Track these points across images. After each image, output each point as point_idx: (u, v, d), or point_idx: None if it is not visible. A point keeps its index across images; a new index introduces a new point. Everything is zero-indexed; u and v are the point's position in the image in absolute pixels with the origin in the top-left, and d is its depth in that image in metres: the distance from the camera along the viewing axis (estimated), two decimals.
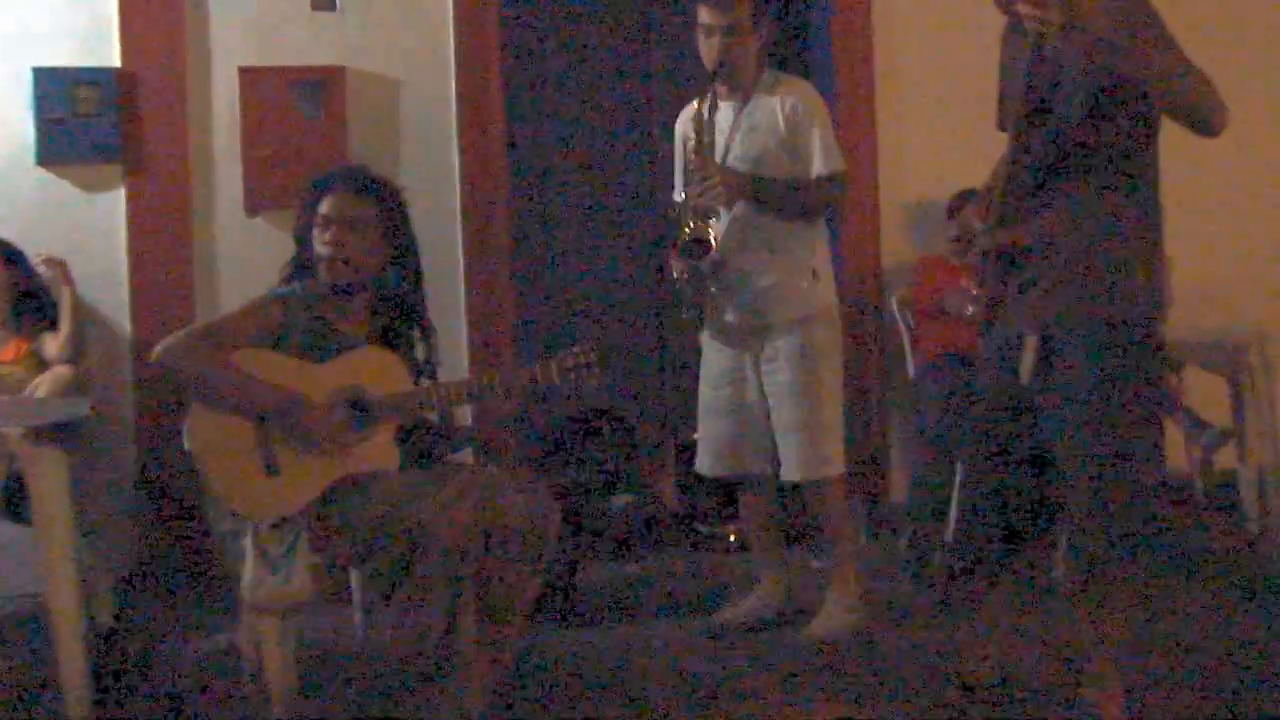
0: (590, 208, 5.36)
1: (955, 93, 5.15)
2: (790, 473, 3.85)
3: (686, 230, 3.72)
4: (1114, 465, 2.71)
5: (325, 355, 3.16)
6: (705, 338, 3.96)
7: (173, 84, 4.62)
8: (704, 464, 4.01)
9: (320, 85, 4.72)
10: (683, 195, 3.81)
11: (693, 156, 3.77)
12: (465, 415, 4.39)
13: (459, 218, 4.89)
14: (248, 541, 3.04)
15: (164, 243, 4.63)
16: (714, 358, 3.95)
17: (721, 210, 3.74)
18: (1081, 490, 2.73)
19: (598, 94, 5.38)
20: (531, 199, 5.27)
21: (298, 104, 4.70)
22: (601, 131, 5.38)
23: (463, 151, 4.89)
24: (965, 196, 4.87)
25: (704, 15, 3.78)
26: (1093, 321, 2.74)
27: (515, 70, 5.18)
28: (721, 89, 3.81)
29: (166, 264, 4.63)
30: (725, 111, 3.83)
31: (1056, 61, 2.72)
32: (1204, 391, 5.03)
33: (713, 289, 3.81)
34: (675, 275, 3.84)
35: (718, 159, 3.76)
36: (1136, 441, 2.72)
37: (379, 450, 3.12)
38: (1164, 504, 3.61)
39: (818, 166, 3.80)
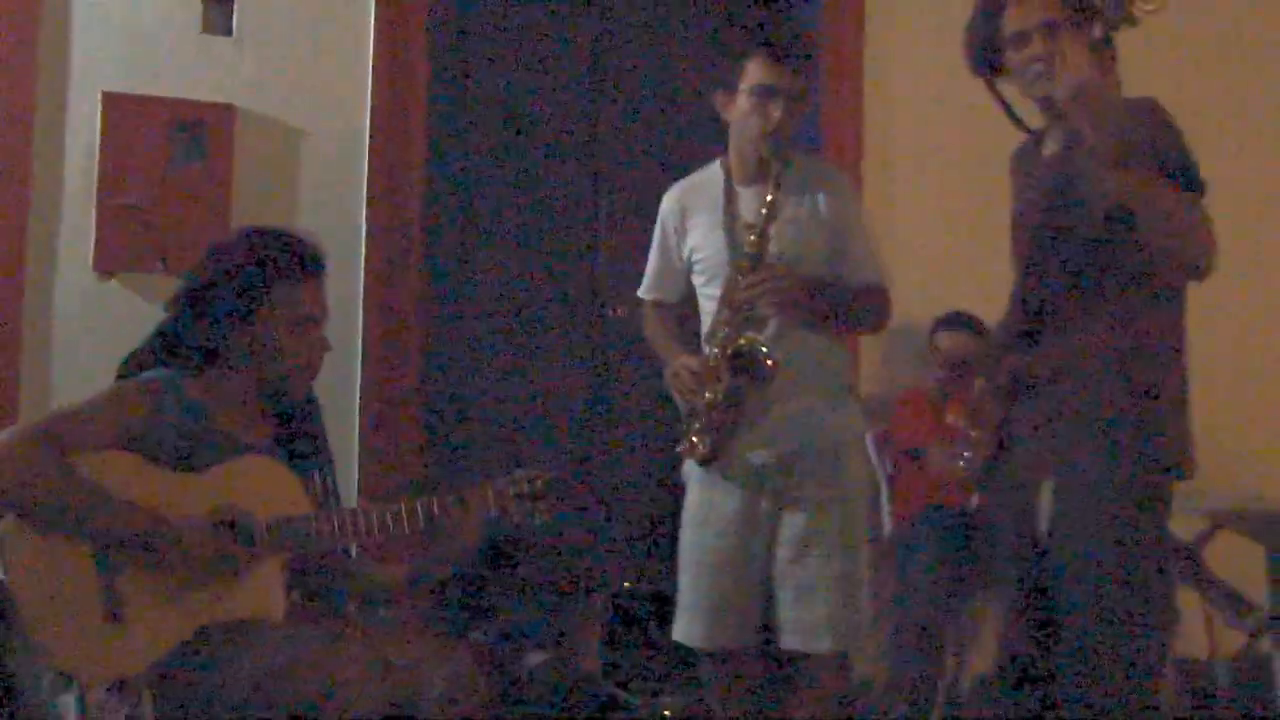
0: (519, 297, 5.02)
1: (946, 205, 5.06)
2: (811, 641, 3.49)
3: (726, 337, 3.42)
4: (1117, 646, 2.73)
5: (201, 463, 2.79)
6: (701, 474, 3.62)
7: (16, 105, 4.24)
8: (694, 633, 3.63)
9: (204, 125, 4.39)
10: (713, 293, 3.55)
11: (724, 246, 3.51)
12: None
13: (360, 301, 4.55)
14: (69, 710, 2.66)
15: None
16: (720, 499, 3.59)
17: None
18: (1078, 662, 2.77)
19: (539, 160, 5.07)
20: (448, 284, 4.92)
21: (174, 145, 4.35)
22: (539, 208, 5.06)
23: (371, 220, 4.58)
24: (953, 320, 4.78)
25: (763, 73, 3.43)
26: (1116, 474, 2.76)
27: (442, 125, 4.88)
28: (749, 169, 3.53)
29: None
30: (747, 198, 3.55)
31: (1078, 177, 2.81)
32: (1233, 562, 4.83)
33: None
34: (702, 395, 3.46)
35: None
36: (1149, 625, 2.75)
37: (259, 592, 2.76)
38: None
39: (867, 273, 3.59)
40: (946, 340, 4.77)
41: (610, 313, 4.98)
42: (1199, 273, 2.71)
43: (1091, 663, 2.75)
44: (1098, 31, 2.64)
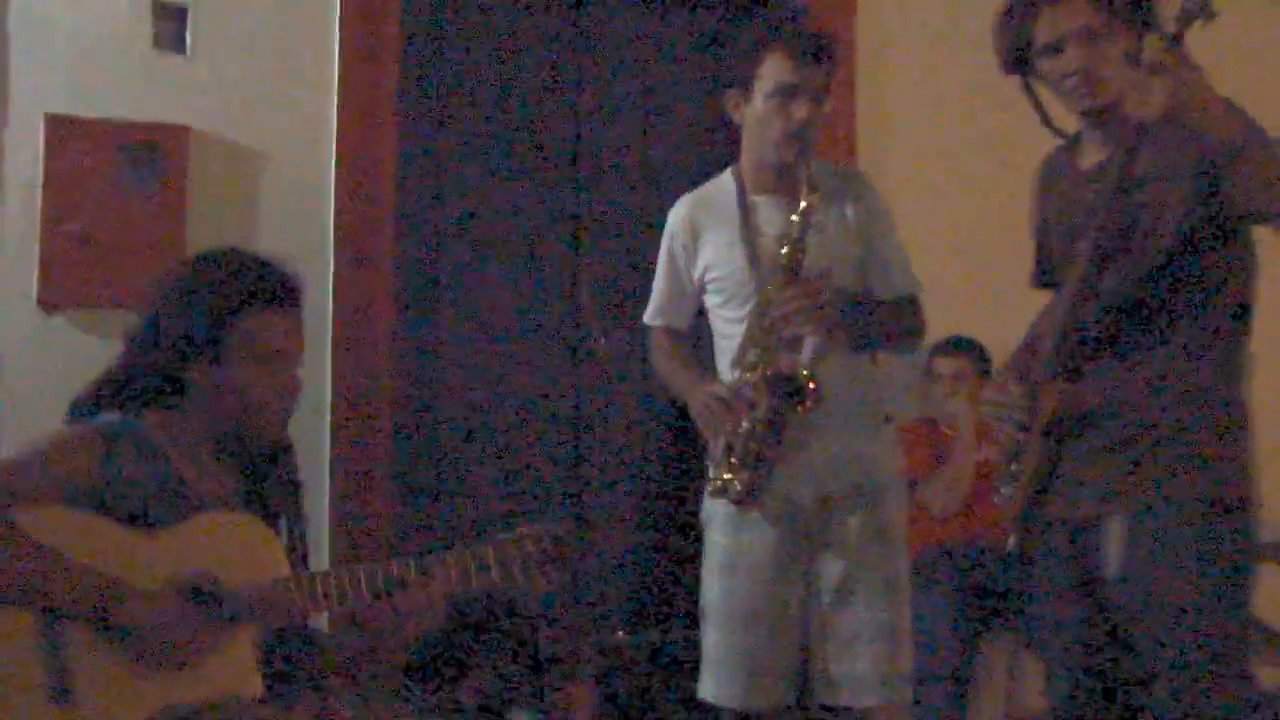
0: (498, 331, 4.76)
1: (946, 221, 4.85)
2: (859, 695, 3.28)
3: (760, 360, 3.20)
4: (1212, 674, 2.64)
5: (162, 519, 2.51)
6: (726, 516, 3.36)
7: None
8: (727, 692, 3.35)
9: (156, 148, 4.15)
10: (737, 313, 3.33)
11: (744, 262, 3.29)
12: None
13: (329, 338, 4.29)
14: None
15: None
16: (750, 543, 3.34)
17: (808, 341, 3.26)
18: (1168, 699, 2.67)
19: (517, 184, 4.81)
20: (422, 319, 4.66)
21: (124, 170, 4.12)
22: (518, 235, 4.80)
23: (339, 248, 4.32)
24: (953, 345, 4.62)
25: (784, 69, 3.21)
26: (1199, 502, 2.65)
27: (414, 147, 4.63)
28: (768, 176, 3.32)
29: None
30: (765, 208, 3.33)
31: (1139, 180, 2.67)
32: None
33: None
34: (738, 425, 3.20)
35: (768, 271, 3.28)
36: (1239, 648, 2.66)
37: (232, 668, 2.49)
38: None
39: (901, 285, 3.38)
40: (947, 365, 4.60)
41: (595, 343, 4.65)
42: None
43: (1194, 701, 2.64)
44: (1172, 28, 2.47)
